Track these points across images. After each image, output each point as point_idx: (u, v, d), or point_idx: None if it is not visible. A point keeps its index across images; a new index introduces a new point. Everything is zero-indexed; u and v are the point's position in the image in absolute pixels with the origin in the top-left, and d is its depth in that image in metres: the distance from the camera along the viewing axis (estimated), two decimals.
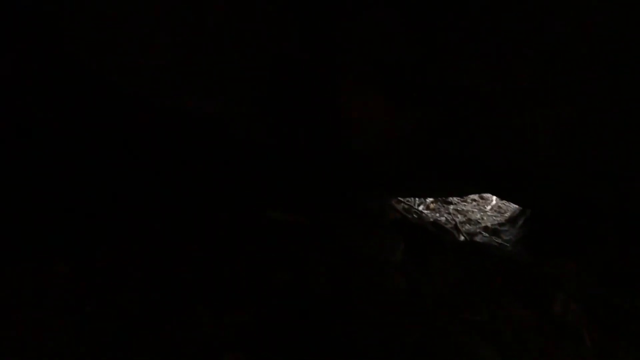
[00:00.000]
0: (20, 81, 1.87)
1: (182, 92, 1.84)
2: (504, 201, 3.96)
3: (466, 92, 1.61)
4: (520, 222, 3.32)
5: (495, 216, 3.69)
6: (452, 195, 3.57)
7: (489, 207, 3.89)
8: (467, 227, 3.42)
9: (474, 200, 3.97)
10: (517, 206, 3.59)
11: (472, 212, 3.72)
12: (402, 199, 3.48)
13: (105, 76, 1.81)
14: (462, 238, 3.24)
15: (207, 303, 1.88)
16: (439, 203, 3.74)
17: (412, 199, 3.64)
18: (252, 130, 2.07)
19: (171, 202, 2.35)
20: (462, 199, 3.93)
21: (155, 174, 2.34)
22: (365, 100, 1.66)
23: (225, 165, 2.45)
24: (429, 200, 3.75)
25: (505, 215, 3.70)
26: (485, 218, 3.62)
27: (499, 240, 3.19)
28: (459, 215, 3.60)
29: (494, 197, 4.01)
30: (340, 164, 2.16)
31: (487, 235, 3.25)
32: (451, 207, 3.71)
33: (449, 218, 3.50)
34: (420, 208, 3.60)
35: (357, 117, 1.73)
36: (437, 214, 3.56)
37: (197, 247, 2.20)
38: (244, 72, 1.70)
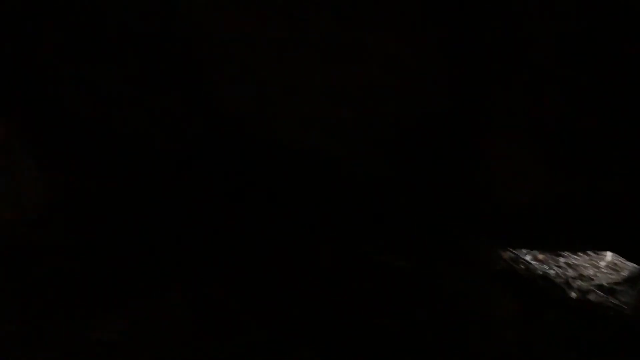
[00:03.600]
0: (169, 123, 2.18)
1: (317, 137, 2.03)
2: (620, 258, 3.73)
3: None
4: None
5: (610, 274, 3.49)
6: (571, 251, 3.46)
7: (603, 263, 3.68)
8: (579, 283, 3.28)
9: (587, 254, 3.79)
10: (635, 265, 3.38)
11: (585, 267, 3.55)
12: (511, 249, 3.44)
13: (247, 123, 2.05)
14: (573, 295, 3.13)
15: (313, 346, 1.99)
16: (547, 254, 3.62)
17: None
18: (375, 172, 2.20)
19: (274, 236, 2.53)
20: (573, 252, 3.77)
21: (264, 209, 2.56)
22: (514, 158, 1.74)
23: (336, 202, 2.61)
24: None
25: (622, 273, 3.49)
26: (599, 275, 3.44)
27: (616, 302, 3.03)
28: (569, 270, 3.46)
29: (608, 252, 3.80)
30: (471, 216, 2.24)
31: (602, 294, 3.10)
32: (561, 259, 3.58)
33: (559, 272, 3.38)
34: (528, 258, 3.52)
35: (504, 175, 1.81)
36: (546, 266, 3.45)
37: (297, 282, 2.33)
38: (386, 122, 1.86)
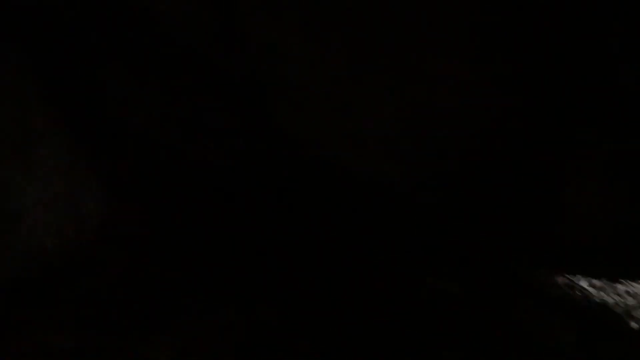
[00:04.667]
0: (228, 143, 2.20)
1: (377, 160, 2.00)
2: None
3: None
4: None
5: None
6: (631, 279, 3.30)
7: None
8: None
9: None
10: None
11: None
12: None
13: (305, 143, 2.04)
14: (634, 325, 2.96)
15: None
16: (604, 280, 3.46)
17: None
18: (434, 198, 2.16)
19: (325, 258, 2.51)
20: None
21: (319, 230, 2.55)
22: (591, 191, 1.68)
23: (392, 227, 2.58)
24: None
25: None
26: None
27: None
28: (629, 298, 3.28)
29: None
30: (536, 245, 2.17)
31: None
32: (619, 286, 3.41)
33: (618, 300, 3.22)
34: (584, 284, 3.37)
35: (578, 206, 1.75)
36: (604, 294, 3.30)
37: (349, 305, 2.29)
38: (451, 149, 1.81)
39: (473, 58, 1.49)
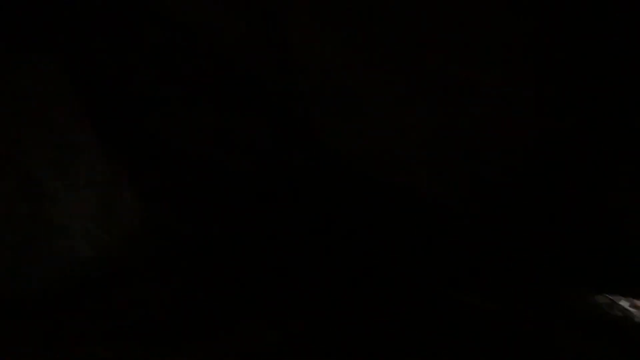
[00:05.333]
0: (265, 152, 2.19)
1: (417, 174, 1.95)
2: None
3: None
4: None
5: None
6: None
7: None
8: None
9: None
10: None
11: None
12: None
13: (345, 156, 2.01)
14: None
15: None
16: None
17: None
18: (475, 213, 2.10)
19: (357, 274, 2.46)
20: None
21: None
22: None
23: (428, 241, 2.53)
24: None
25: None
26: None
27: None
28: None
29: None
30: (579, 263, 2.09)
31: None
32: None
33: None
34: (625, 304, 3.23)
35: (629, 225, 1.68)
36: None
37: (381, 320, 2.25)
38: (496, 164, 1.76)
39: (522, 71, 1.45)
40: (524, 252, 2.20)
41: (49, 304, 2.09)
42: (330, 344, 2.06)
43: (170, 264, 2.32)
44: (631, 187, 1.53)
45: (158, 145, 2.24)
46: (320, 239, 2.30)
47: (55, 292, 2.10)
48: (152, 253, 2.30)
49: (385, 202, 2.09)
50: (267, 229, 2.33)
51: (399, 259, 2.44)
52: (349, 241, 2.34)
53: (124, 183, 2.22)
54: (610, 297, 3.22)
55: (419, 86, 1.62)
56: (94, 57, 1.99)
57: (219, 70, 1.85)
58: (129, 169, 2.23)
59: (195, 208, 2.30)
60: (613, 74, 1.40)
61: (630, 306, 3.25)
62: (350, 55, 1.58)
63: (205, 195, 2.31)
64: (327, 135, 1.89)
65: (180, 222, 2.31)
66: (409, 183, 1.92)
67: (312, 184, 2.10)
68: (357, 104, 1.74)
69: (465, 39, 1.47)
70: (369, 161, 1.89)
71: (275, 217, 2.27)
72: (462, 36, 1.44)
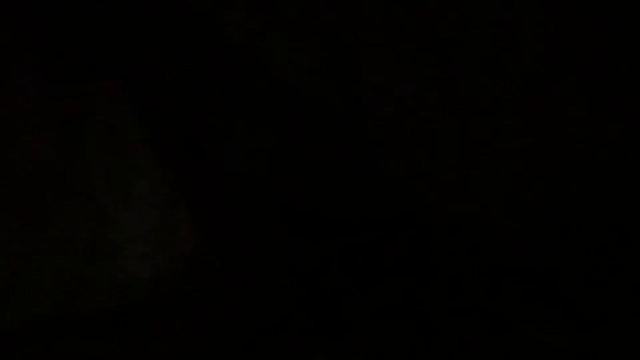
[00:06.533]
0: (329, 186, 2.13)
1: (487, 206, 1.88)
2: None
3: None
4: None
5: None
6: None
7: None
8: None
9: None
10: None
11: None
12: None
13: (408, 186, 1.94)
14: None
15: None
16: None
17: None
18: (549, 247, 2.01)
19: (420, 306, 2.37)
20: None
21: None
22: None
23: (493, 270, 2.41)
24: None
25: None
26: None
27: None
28: None
29: None
30: None
31: None
32: None
33: None
34: None
35: None
36: None
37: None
38: (578, 200, 1.67)
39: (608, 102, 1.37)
40: (593, 282, 2.08)
41: (107, 325, 2.10)
42: None
43: (222, 285, 2.30)
44: None
45: (215, 168, 2.23)
46: (380, 267, 2.25)
47: (113, 312, 2.11)
48: (205, 274, 2.29)
49: (450, 230, 2.02)
50: (321, 255, 2.28)
51: (457, 289, 2.35)
52: (413, 270, 2.26)
53: (182, 206, 2.21)
54: None
55: (504, 120, 1.54)
56: (160, 85, 2.00)
57: (283, 96, 1.82)
58: (186, 192, 2.22)
59: (251, 232, 2.28)
60: None
61: None
62: (424, 89, 1.51)
63: (257, 219, 2.29)
64: (389, 163, 1.84)
65: (235, 245, 2.29)
66: (476, 214, 1.84)
67: (373, 213, 2.05)
68: (424, 132, 1.68)
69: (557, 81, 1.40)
70: (436, 191, 1.82)
71: (331, 244, 2.22)
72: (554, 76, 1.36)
